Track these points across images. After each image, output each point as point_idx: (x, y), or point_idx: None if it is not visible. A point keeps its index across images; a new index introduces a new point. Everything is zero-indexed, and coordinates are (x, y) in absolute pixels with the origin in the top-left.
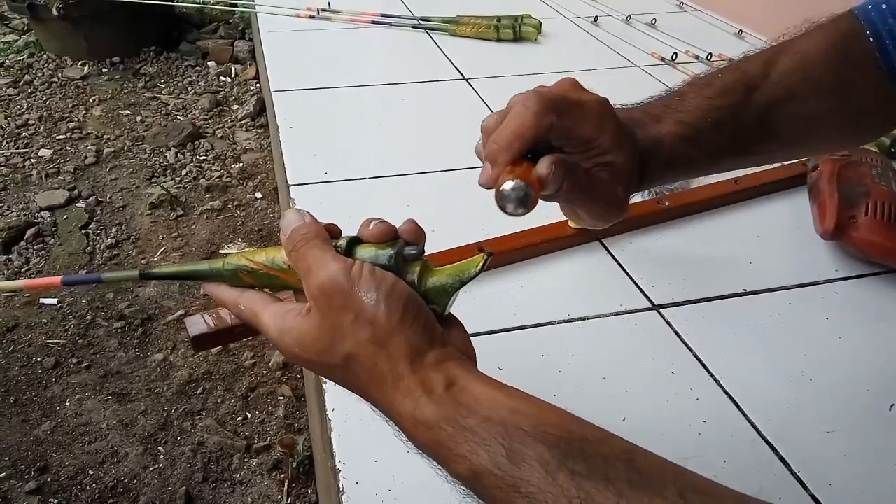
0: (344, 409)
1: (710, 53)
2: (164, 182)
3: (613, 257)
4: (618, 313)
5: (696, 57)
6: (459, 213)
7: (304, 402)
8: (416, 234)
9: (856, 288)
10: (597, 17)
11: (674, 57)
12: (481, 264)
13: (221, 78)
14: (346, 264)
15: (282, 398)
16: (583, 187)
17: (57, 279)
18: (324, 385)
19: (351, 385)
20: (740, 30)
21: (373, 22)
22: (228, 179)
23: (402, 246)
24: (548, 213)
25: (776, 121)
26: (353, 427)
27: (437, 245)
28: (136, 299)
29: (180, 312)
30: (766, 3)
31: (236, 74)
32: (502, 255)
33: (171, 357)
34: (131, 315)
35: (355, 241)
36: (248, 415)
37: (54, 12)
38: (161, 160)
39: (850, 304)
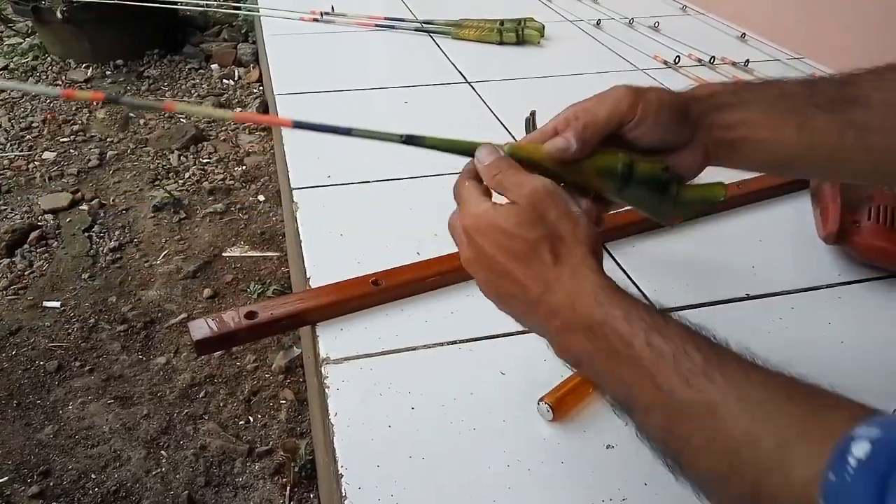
0: (346, 413)
1: (714, 57)
2: (167, 185)
3: (616, 261)
4: None
5: (699, 60)
6: None
7: (307, 407)
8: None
9: (859, 292)
10: (600, 20)
11: (677, 60)
12: (725, 193)
13: (225, 81)
14: (550, 181)
15: (284, 402)
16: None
17: (289, 120)
18: (326, 389)
19: (532, 254)
20: (743, 33)
21: (376, 25)
22: (231, 182)
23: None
24: None
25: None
26: (355, 432)
27: (440, 248)
28: (139, 303)
29: (183, 316)
30: (768, 7)
31: (239, 77)
32: None
33: (174, 361)
34: (134, 318)
35: (631, 163)
36: (251, 419)
37: (58, 15)
38: (164, 163)
39: (854, 309)
